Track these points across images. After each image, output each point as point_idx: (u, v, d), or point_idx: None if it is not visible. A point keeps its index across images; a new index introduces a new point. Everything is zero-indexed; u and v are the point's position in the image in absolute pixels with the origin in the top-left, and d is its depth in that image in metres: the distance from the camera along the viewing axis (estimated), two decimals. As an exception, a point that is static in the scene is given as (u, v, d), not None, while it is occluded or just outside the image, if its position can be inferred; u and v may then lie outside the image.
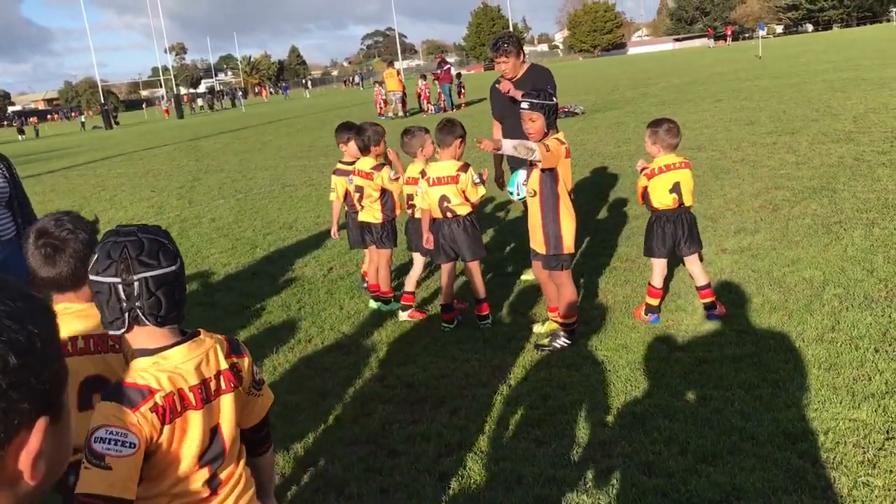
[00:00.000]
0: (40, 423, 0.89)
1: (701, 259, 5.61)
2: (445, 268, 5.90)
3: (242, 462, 2.23)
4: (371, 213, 6.41)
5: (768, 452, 3.73)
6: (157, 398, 1.93)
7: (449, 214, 5.69)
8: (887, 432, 3.79)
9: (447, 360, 5.35)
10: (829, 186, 8.79)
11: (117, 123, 47.75)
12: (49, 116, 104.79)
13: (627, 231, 8.12)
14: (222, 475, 2.13)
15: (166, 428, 1.95)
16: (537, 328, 5.67)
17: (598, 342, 5.34)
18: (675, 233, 5.43)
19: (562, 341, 5.29)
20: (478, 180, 5.65)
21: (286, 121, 33.58)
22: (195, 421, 2.01)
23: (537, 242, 5.31)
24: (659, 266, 5.56)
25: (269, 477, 2.45)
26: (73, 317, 2.55)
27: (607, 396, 4.53)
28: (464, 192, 5.66)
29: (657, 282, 5.56)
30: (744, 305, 5.61)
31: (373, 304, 6.62)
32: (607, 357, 5.08)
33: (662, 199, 5.40)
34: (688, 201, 5.43)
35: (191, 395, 2.00)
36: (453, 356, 5.41)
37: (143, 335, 2.00)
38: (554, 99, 5.17)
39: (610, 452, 3.92)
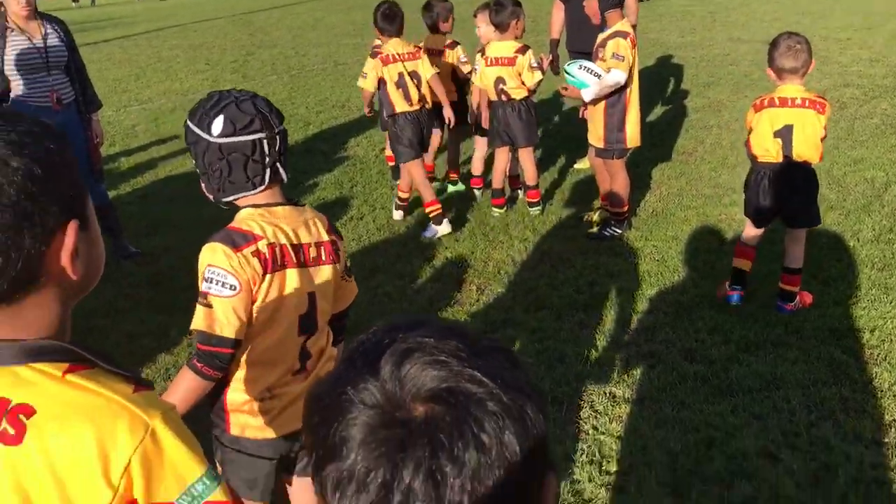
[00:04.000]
0: (72, 225, 1.05)
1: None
2: (499, 152, 5.87)
3: (329, 344, 2.23)
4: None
5: (812, 346, 3.77)
6: (261, 245, 1.95)
7: (504, 97, 5.61)
8: (935, 334, 3.79)
9: (495, 244, 5.41)
10: (902, 86, 8.43)
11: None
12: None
13: (686, 124, 7.94)
14: (312, 350, 2.14)
15: (268, 277, 1.96)
16: (588, 216, 5.67)
17: (648, 233, 5.34)
18: (777, 195, 3.99)
19: (613, 230, 5.30)
20: (535, 64, 5.51)
21: (340, -2, 32.87)
22: (293, 280, 2.01)
23: (595, 136, 5.24)
24: (752, 233, 4.24)
25: None
26: None
27: (654, 286, 4.57)
28: (520, 74, 5.55)
29: (747, 241, 4.29)
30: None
31: (434, 185, 6.64)
32: (657, 247, 5.09)
33: (763, 142, 3.98)
34: (802, 155, 3.93)
35: (292, 252, 2.00)
36: (501, 241, 5.47)
37: (259, 196, 2.02)
38: None
39: (653, 338, 4.00)
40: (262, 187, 2.01)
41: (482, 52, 5.68)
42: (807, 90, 4.00)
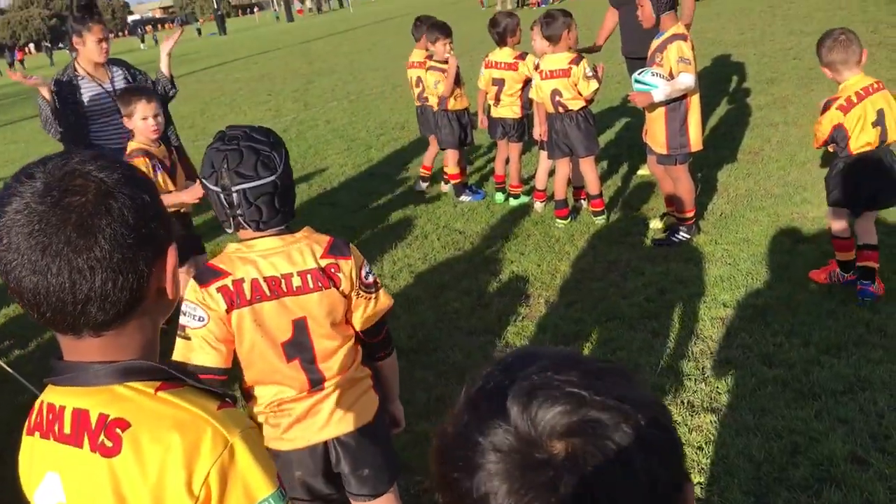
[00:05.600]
0: (172, 248, 1.15)
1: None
2: (560, 164, 5.86)
3: (355, 363, 2.26)
4: (510, 108, 6.39)
5: (897, 345, 3.64)
6: (227, 281, 2.06)
7: (561, 109, 5.60)
8: None
9: (560, 256, 5.39)
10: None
11: (224, 32, 48.69)
12: (163, 25, 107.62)
13: (751, 123, 7.77)
14: (325, 372, 2.18)
15: (235, 313, 2.05)
16: (654, 224, 5.60)
17: (718, 236, 5.24)
18: (875, 182, 4.02)
19: (680, 236, 5.23)
20: (590, 73, 5.49)
21: (395, 20, 33.32)
22: (269, 311, 2.08)
23: (657, 143, 5.18)
24: (842, 220, 4.21)
25: (392, 382, 2.45)
26: None
27: (726, 290, 4.48)
28: (576, 85, 5.54)
29: (847, 232, 4.24)
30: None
31: (499, 197, 6.68)
32: (728, 251, 4.99)
33: (865, 136, 3.98)
34: (892, 136, 4.01)
35: (264, 286, 2.07)
36: (567, 252, 5.44)
37: (247, 234, 2.11)
38: None
39: (729, 344, 3.92)
40: (232, 230, 2.10)
41: (537, 66, 5.69)
42: (868, 77, 4.04)
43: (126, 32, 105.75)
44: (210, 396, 1.16)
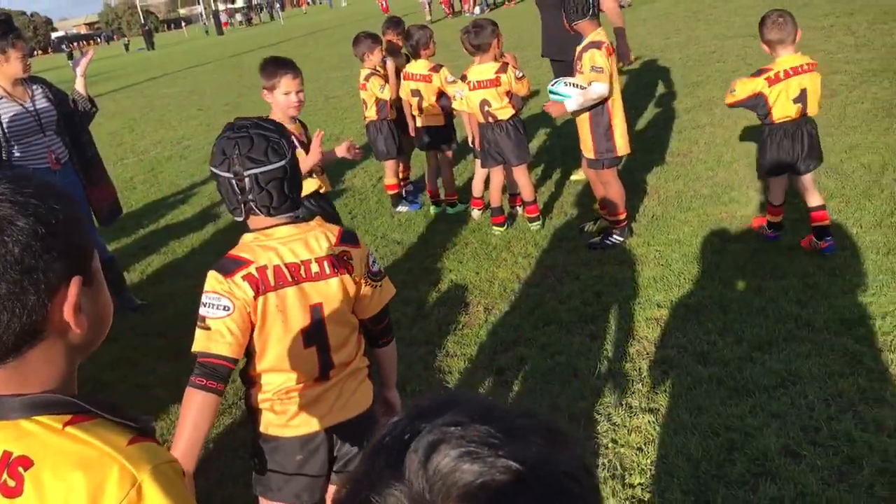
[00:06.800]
0: (75, 280, 1.10)
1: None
2: (494, 172, 5.88)
3: (359, 353, 2.35)
4: (431, 116, 6.38)
5: (824, 338, 3.74)
6: (251, 269, 2.10)
7: (491, 119, 5.63)
8: (947, 314, 3.77)
9: (498, 263, 5.41)
10: (890, 68, 8.41)
11: (153, 47, 47.72)
12: (89, 42, 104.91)
13: (678, 125, 7.94)
14: (335, 360, 2.25)
15: (261, 299, 2.10)
16: (588, 227, 5.67)
17: (650, 238, 5.33)
18: (794, 148, 4.58)
19: (613, 239, 5.30)
20: (520, 75, 5.55)
21: (326, 31, 33.16)
22: (290, 297, 2.14)
23: (587, 148, 5.25)
24: (777, 184, 4.78)
25: (390, 369, 2.55)
26: None
27: (660, 291, 4.56)
28: (508, 93, 5.57)
29: (776, 199, 4.83)
30: (798, 195, 5.51)
31: (434, 209, 6.67)
32: (660, 252, 5.08)
33: (785, 109, 4.52)
34: (813, 110, 4.58)
35: (286, 272, 2.13)
36: (504, 259, 5.47)
37: (259, 220, 2.18)
38: None
39: (665, 344, 3.98)
40: (243, 217, 2.16)
41: (464, 77, 5.71)
42: (803, 56, 4.56)
43: (50, 49, 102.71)
44: (123, 430, 1.10)
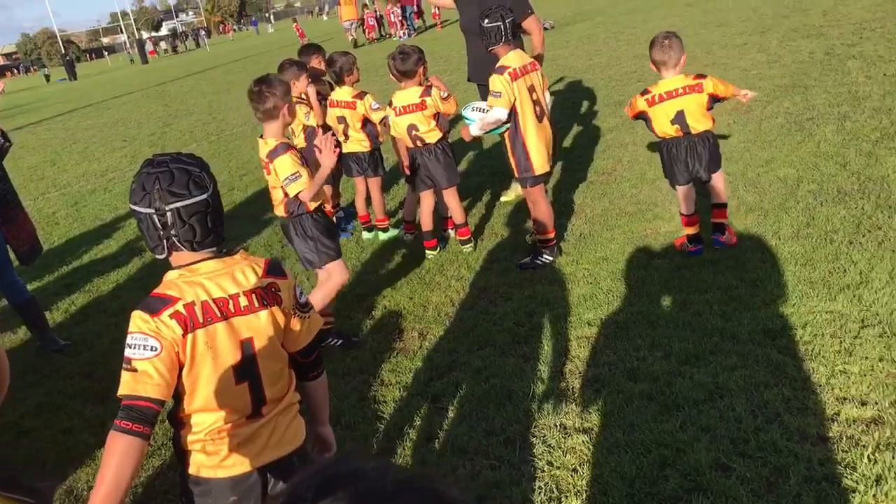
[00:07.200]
0: None
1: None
2: (424, 196, 5.90)
3: (291, 388, 2.31)
4: (359, 143, 6.36)
5: (749, 350, 3.84)
6: (179, 306, 2.05)
7: (419, 143, 5.65)
8: (862, 321, 3.91)
9: (432, 287, 5.41)
10: (800, 83, 8.77)
11: (75, 78, 46.55)
12: (7, 72, 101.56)
13: (602, 144, 8.11)
14: (268, 395, 2.21)
15: (189, 336, 2.05)
16: (531, 238, 5.74)
17: (579, 256, 5.40)
18: (689, 160, 4.85)
19: (543, 259, 5.35)
20: (445, 95, 5.58)
21: (252, 58, 32.88)
22: (220, 333, 2.10)
23: (512, 168, 5.35)
24: (682, 193, 5.00)
25: (322, 403, 2.49)
26: None
27: (590, 309, 4.61)
28: (435, 116, 5.60)
29: (685, 209, 5.01)
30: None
31: (367, 235, 6.63)
32: (588, 270, 5.15)
33: (665, 128, 4.86)
34: (698, 128, 4.80)
35: (214, 307, 2.09)
36: (438, 283, 5.47)
37: (183, 256, 2.14)
38: (499, 19, 5.10)
39: (596, 362, 4.02)
40: (165, 254, 2.13)
41: (390, 103, 5.73)
42: (686, 77, 4.80)
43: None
44: None
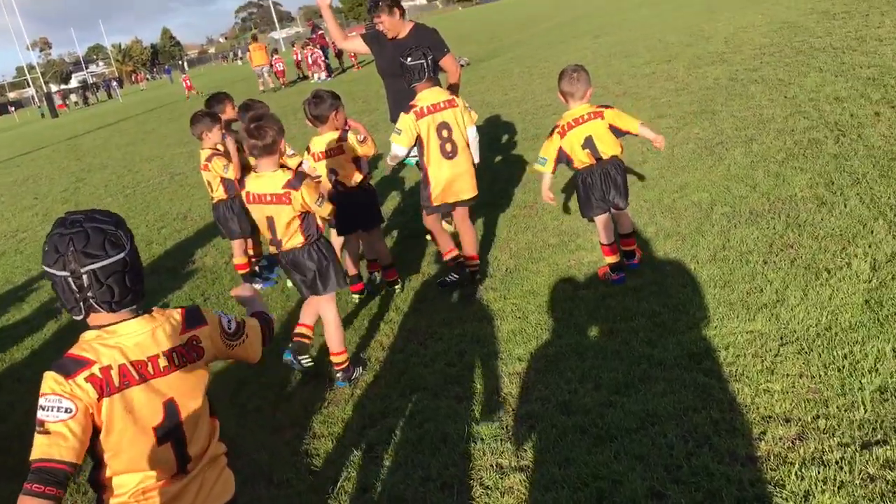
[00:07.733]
0: None
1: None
2: (348, 239, 5.84)
3: (214, 438, 2.29)
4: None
5: (676, 375, 3.89)
6: (95, 370, 2.01)
7: (340, 188, 5.62)
8: (781, 338, 4.01)
9: (360, 331, 5.35)
10: (708, 109, 9.09)
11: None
12: None
13: (524, 177, 8.22)
14: (192, 452, 2.18)
15: (106, 401, 2.01)
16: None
17: (506, 291, 5.42)
18: (603, 188, 4.99)
19: (451, 277, 5.74)
20: (361, 138, 5.56)
21: (167, 106, 32.38)
22: (138, 396, 2.05)
23: None
24: (600, 224, 5.11)
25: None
26: None
27: (520, 344, 4.62)
28: (355, 159, 5.58)
29: (605, 239, 5.11)
30: (639, 236, 5.79)
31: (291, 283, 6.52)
32: (516, 305, 5.17)
33: (579, 156, 4.99)
34: (608, 152, 4.97)
35: (132, 370, 2.05)
36: (366, 327, 5.41)
37: (100, 317, 2.09)
38: (421, 57, 5.32)
39: (528, 398, 4.02)
40: (82, 316, 2.07)
41: (308, 149, 5.68)
42: (591, 106, 5.01)
43: None
44: None
